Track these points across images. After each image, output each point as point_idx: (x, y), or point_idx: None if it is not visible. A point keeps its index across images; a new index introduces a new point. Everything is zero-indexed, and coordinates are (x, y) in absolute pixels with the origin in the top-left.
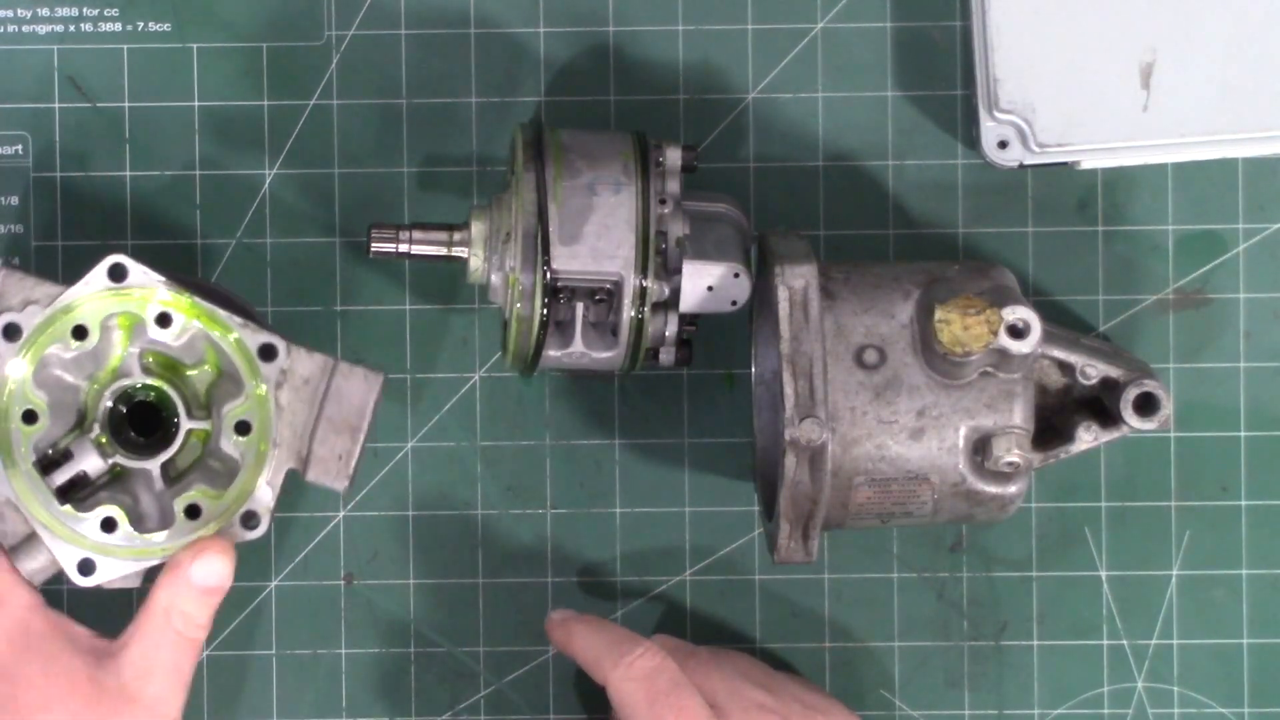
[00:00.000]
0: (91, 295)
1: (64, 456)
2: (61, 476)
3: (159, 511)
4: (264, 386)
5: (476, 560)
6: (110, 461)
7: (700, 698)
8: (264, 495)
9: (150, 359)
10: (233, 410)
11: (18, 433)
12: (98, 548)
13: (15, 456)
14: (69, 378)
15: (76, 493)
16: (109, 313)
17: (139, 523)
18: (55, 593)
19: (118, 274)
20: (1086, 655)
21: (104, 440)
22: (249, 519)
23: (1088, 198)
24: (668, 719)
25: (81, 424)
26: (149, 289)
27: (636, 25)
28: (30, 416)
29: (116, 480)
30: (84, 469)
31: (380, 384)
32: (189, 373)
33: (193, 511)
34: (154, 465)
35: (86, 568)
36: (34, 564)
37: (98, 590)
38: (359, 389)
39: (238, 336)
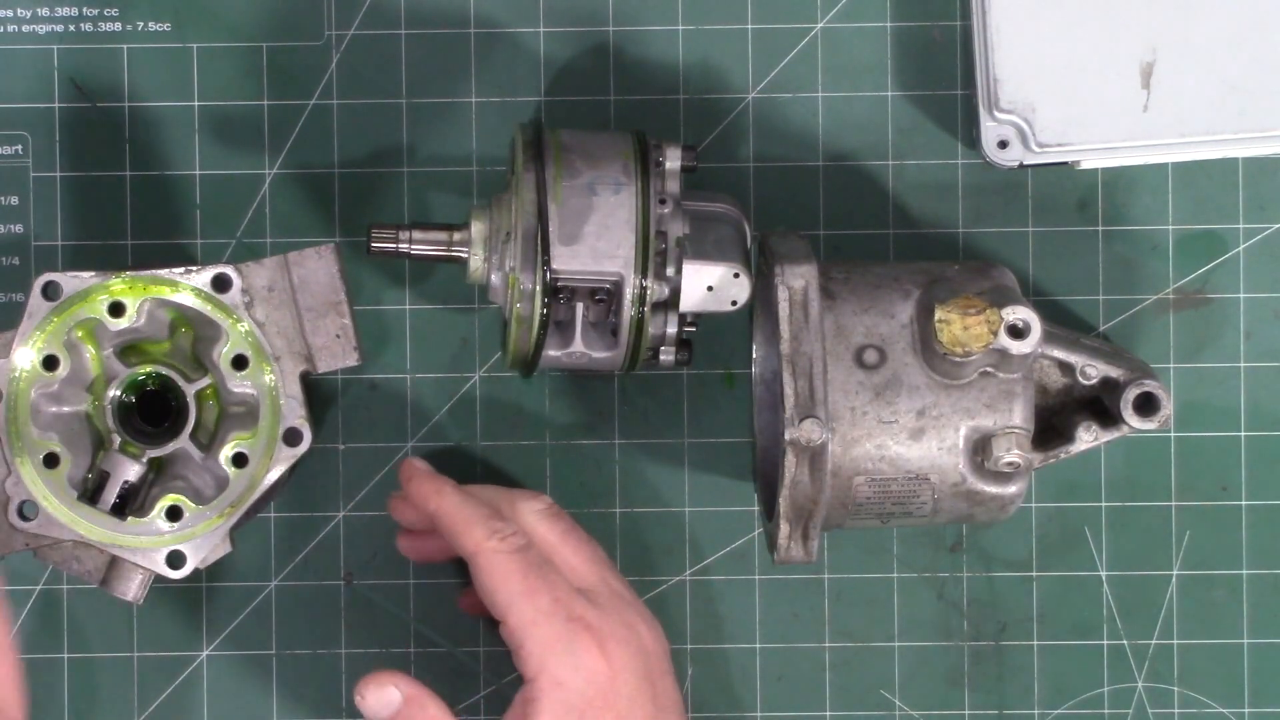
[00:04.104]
0: (40, 323)
1: (103, 477)
2: (110, 495)
3: (211, 478)
4: (235, 314)
5: None
6: (145, 459)
7: (565, 577)
8: (292, 410)
9: (127, 351)
10: (223, 352)
11: (51, 481)
12: (176, 538)
13: (59, 500)
14: (65, 408)
15: (132, 503)
16: (65, 330)
17: (198, 497)
18: (56, 594)
19: (53, 292)
20: (1086, 655)
21: (130, 446)
22: (291, 438)
23: (1088, 198)
24: (541, 595)
25: (102, 441)
26: (88, 289)
27: (636, 25)
28: (51, 460)
29: (161, 474)
30: (126, 479)
31: (334, 252)
32: (168, 345)
33: (240, 460)
34: (184, 441)
35: (176, 561)
36: (130, 584)
37: (100, 596)
38: (319, 268)
39: (187, 285)
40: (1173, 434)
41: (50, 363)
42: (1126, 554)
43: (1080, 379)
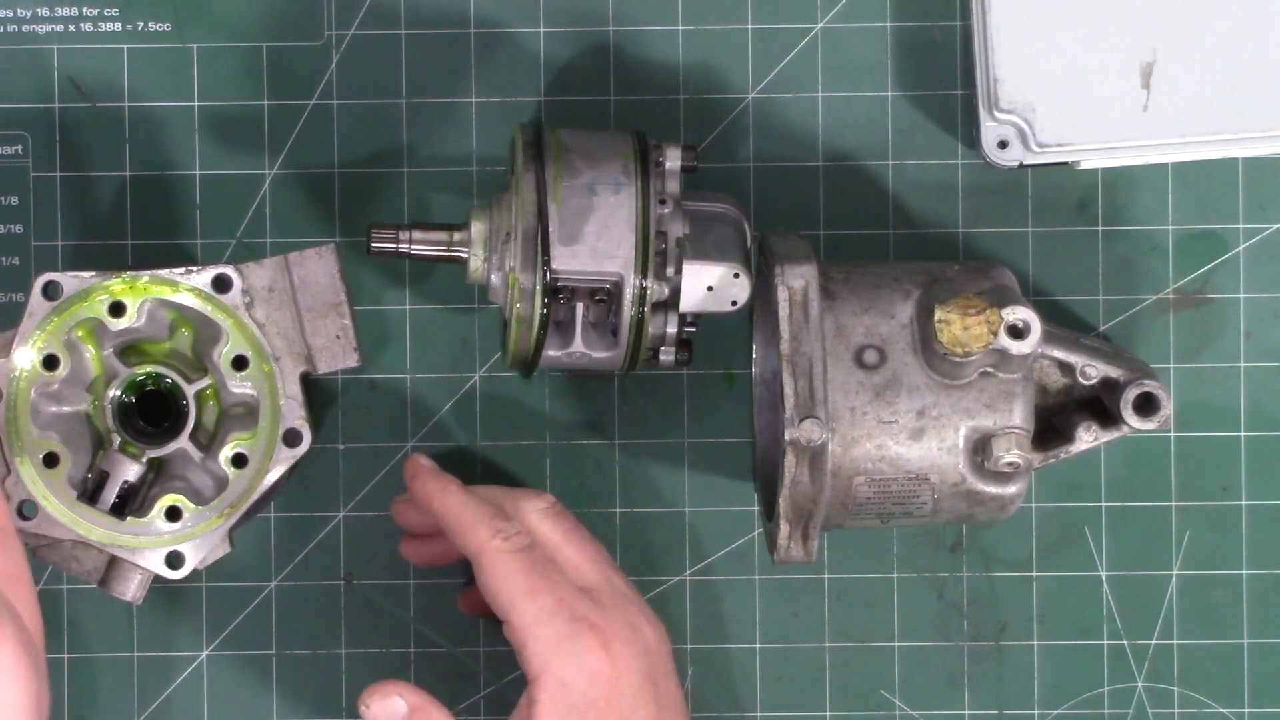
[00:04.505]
0: (40, 323)
1: (102, 477)
2: (110, 495)
3: (211, 478)
4: (236, 315)
5: None
6: (145, 459)
7: (569, 577)
8: (291, 411)
9: (127, 351)
10: (223, 353)
11: (51, 481)
12: (175, 538)
13: (59, 500)
14: (66, 408)
15: (131, 503)
16: (65, 330)
17: (198, 497)
18: (55, 594)
19: (53, 292)
20: (1086, 655)
21: (129, 446)
22: (291, 439)
23: (1088, 198)
24: (544, 594)
25: (102, 441)
26: (88, 289)
27: (636, 25)
28: (51, 460)
29: (160, 474)
30: (125, 479)
31: (334, 253)
32: (168, 345)
33: (239, 460)
34: (184, 441)
35: (175, 561)
36: (130, 584)
37: (100, 596)
38: (320, 268)
39: (187, 285)
40: (1173, 434)
41: (50, 362)
42: (1126, 554)
43: (1080, 379)
